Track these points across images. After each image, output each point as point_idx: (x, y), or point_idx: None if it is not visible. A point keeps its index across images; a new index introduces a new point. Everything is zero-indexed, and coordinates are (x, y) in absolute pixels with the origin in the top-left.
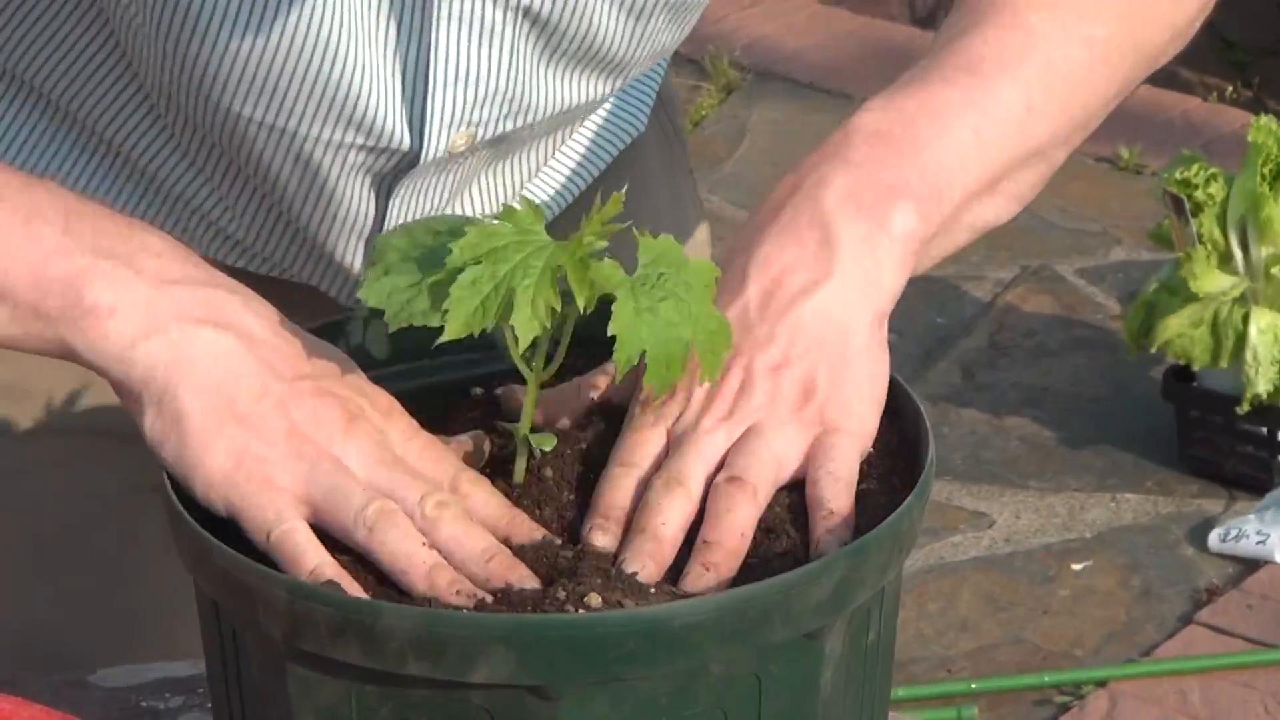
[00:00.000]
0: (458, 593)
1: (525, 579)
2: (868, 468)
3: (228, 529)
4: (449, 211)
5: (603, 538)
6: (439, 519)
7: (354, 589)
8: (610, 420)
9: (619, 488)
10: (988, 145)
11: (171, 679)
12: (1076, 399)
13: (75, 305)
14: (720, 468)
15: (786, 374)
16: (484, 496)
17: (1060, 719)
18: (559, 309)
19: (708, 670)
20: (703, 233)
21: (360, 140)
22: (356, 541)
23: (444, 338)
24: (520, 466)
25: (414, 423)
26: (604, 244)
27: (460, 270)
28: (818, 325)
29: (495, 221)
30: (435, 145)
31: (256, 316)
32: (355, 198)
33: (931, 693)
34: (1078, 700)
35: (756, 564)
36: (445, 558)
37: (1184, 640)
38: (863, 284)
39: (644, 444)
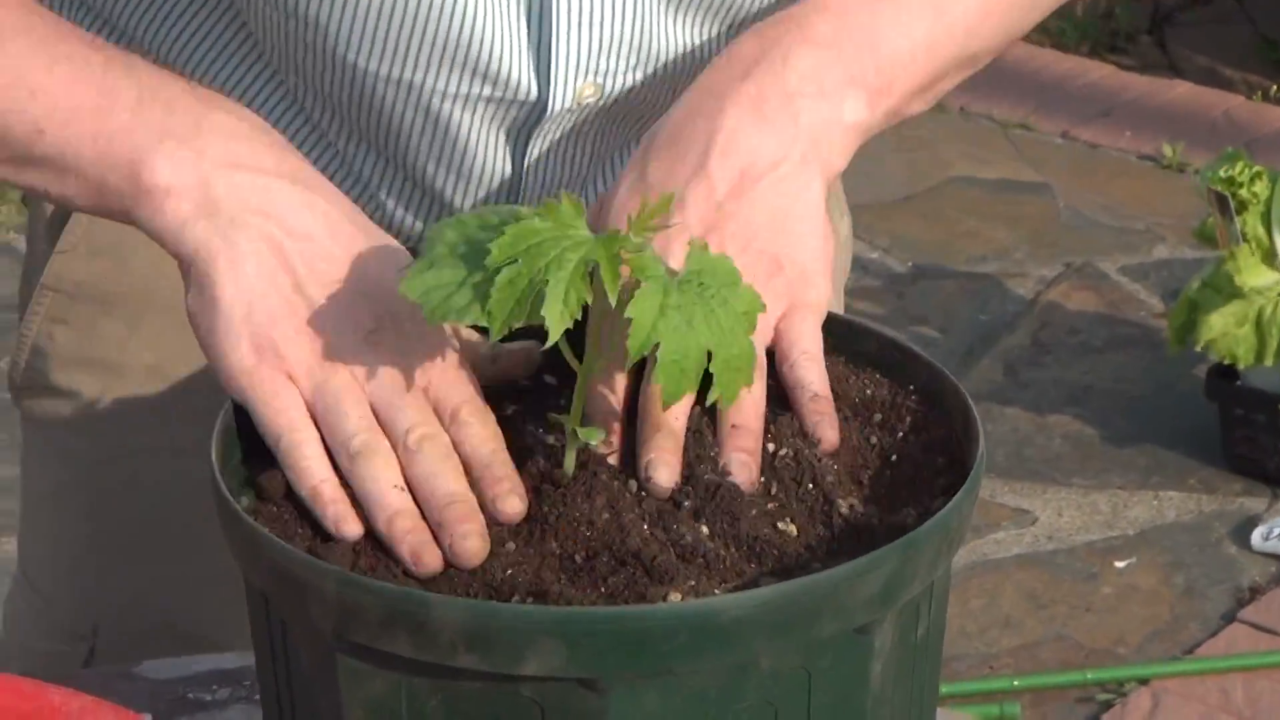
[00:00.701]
0: (406, 544)
1: (472, 533)
2: (917, 464)
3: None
4: (593, 183)
5: (608, 450)
6: (417, 453)
7: (349, 517)
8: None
9: (611, 394)
10: (938, 47)
11: (219, 670)
12: (1119, 397)
13: (135, 184)
14: None
15: (754, 249)
16: (478, 431)
17: (1102, 717)
18: (590, 301)
19: (757, 664)
20: (844, 227)
21: (487, 91)
22: (341, 465)
23: (491, 339)
24: (570, 459)
25: (446, 337)
26: (645, 241)
27: (499, 270)
28: (779, 204)
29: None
30: (562, 95)
31: (314, 212)
32: (487, 156)
33: (974, 689)
34: (1120, 698)
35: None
36: (414, 491)
37: (1226, 638)
38: (819, 166)
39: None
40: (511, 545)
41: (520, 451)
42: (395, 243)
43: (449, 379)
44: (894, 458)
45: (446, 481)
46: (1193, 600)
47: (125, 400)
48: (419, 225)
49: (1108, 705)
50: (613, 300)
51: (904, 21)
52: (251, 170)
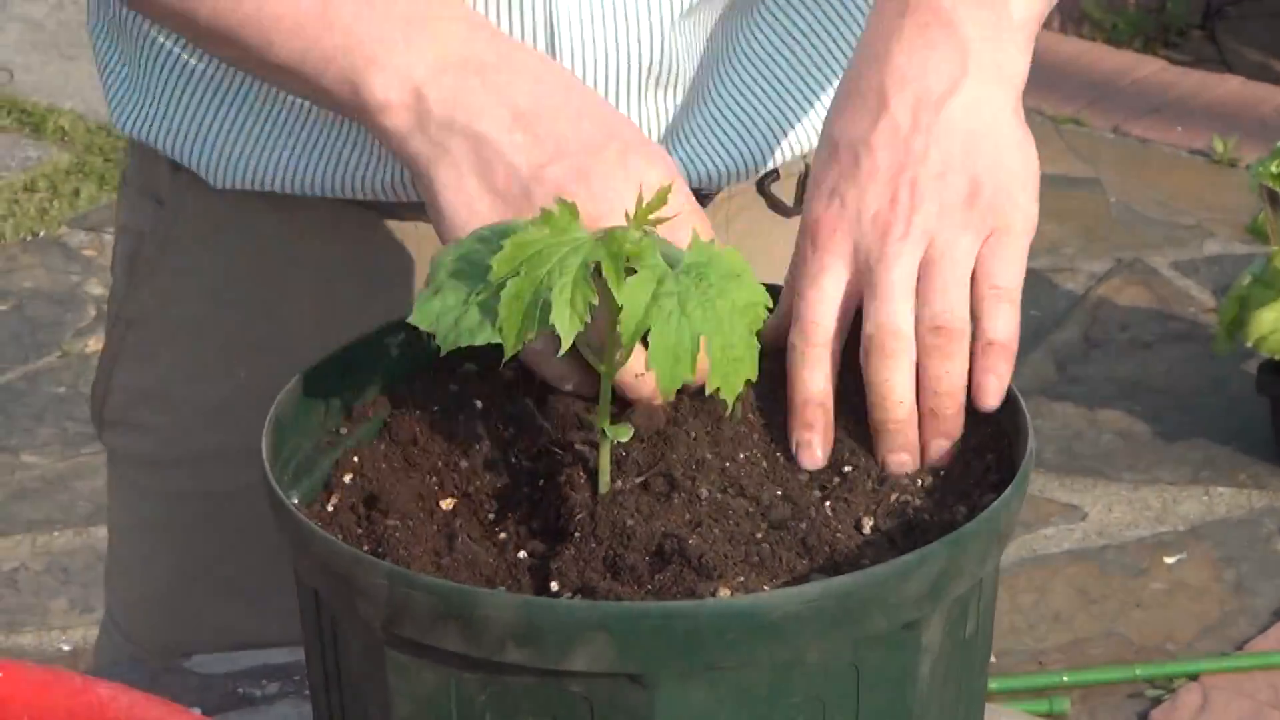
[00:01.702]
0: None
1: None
2: (966, 460)
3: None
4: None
5: (812, 454)
6: None
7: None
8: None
9: (816, 376)
10: None
11: (268, 665)
12: (1170, 392)
13: (356, 99)
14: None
15: (950, 180)
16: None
17: (1152, 712)
18: (595, 302)
19: (806, 660)
20: None
21: None
22: None
23: (506, 356)
24: (605, 459)
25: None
26: (644, 235)
27: (503, 284)
28: (967, 125)
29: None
30: None
31: (526, 93)
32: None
33: (1023, 685)
34: (1170, 694)
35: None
36: None
37: (1277, 634)
38: (997, 75)
39: (825, 293)
40: (552, 546)
41: (555, 450)
42: (608, 106)
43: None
44: (944, 454)
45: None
46: (1243, 596)
47: (202, 437)
48: None
49: (1157, 701)
50: (619, 297)
51: None
52: (459, 69)
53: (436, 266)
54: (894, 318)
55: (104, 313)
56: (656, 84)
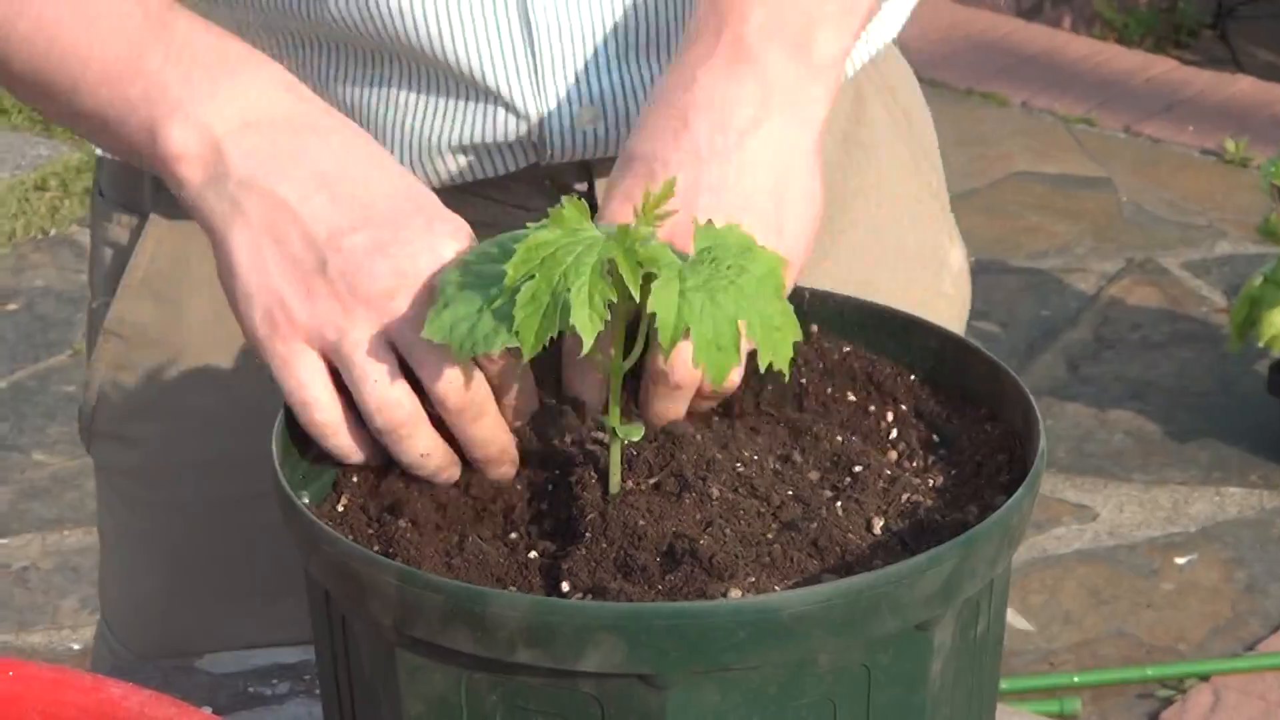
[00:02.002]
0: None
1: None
2: (977, 460)
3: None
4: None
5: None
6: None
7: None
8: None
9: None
10: None
11: (279, 665)
12: (1181, 393)
13: (154, 150)
14: None
15: (736, 206)
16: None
17: (1163, 713)
18: (614, 299)
19: (817, 661)
20: (956, 256)
21: None
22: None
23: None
24: (616, 459)
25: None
26: (654, 231)
27: (518, 289)
28: (763, 161)
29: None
30: None
31: (327, 158)
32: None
33: (1034, 685)
34: (1180, 694)
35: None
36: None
37: None
38: (795, 116)
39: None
40: (563, 546)
41: (566, 450)
42: (412, 177)
43: (437, 359)
44: (955, 454)
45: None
46: (1254, 597)
47: (191, 448)
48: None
49: (1168, 702)
50: (635, 293)
51: None
52: (263, 128)
53: (443, 284)
54: None
55: None
56: (641, 52)
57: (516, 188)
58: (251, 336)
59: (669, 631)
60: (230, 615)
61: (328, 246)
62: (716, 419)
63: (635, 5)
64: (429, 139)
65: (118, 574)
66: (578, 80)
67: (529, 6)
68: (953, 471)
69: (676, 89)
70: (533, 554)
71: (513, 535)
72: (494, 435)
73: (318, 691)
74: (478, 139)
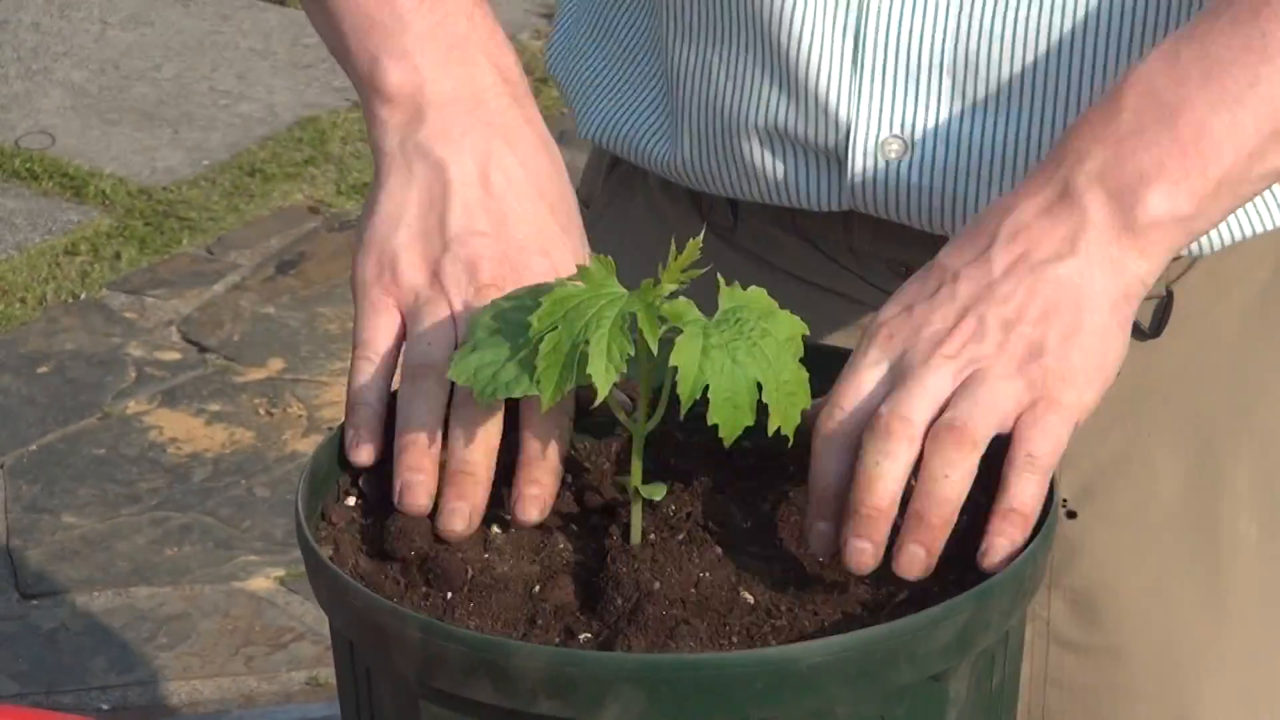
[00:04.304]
0: (402, 479)
1: (459, 512)
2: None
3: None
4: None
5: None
6: (462, 407)
7: (363, 446)
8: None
9: (830, 469)
10: (1266, 98)
11: (307, 719)
12: None
13: (370, 74)
14: (943, 409)
15: (1018, 330)
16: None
17: None
18: (632, 353)
19: (834, 711)
20: None
21: None
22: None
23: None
24: (636, 517)
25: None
26: (676, 287)
27: (541, 339)
28: (1057, 293)
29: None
30: None
31: (501, 171)
32: None
33: None
34: None
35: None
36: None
37: None
38: (1108, 268)
39: (861, 386)
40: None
41: (587, 510)
42: (568, 217)
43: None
44: (969, 505)
45: (473, 450)
46: None
47: None
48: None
49: None
50: (654, 348)
51: (1220, 80)
52: (464, 110)
53: (474, 326)
54: (907, 406)
55: (144, 375)
56: (961, 99)
57: (831, 237)
58: (357, 272)
59: (688, 683)
60: None
61: (454, 240)
62: (731, 471)
63: (965, 50)
64: (737, 112)
65: None
66: (893, 103)
67: (863, 18)
68: (967, 522)
69: (996, 213)
70: (551, 604)
71: (536, 588)
72: (477, 468)
73: None
74: (782, 125)
